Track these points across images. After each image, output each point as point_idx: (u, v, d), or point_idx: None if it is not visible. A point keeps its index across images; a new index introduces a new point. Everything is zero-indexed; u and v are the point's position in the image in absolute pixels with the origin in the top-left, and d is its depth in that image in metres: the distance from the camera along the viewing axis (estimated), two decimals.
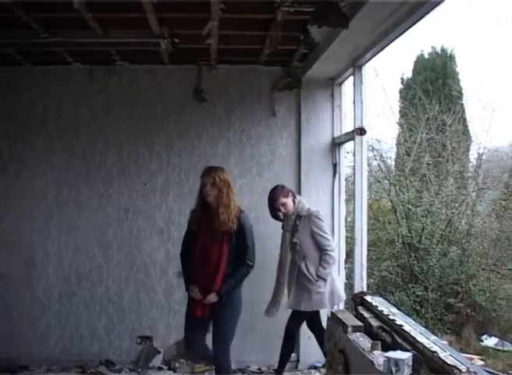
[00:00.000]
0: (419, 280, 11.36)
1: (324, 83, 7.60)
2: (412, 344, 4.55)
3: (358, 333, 5.36)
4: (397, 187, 12.24)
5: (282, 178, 7.37)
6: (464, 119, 14.43)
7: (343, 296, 6.87)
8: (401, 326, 4.91)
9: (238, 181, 7.50)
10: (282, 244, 6.69)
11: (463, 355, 4.96)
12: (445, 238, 11.77)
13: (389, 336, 4.99)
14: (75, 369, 7.41)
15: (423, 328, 4.92)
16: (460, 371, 3.71)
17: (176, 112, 7.61)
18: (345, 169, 7.83)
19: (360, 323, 5.55)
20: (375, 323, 5.40)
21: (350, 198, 8.48)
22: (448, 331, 10.94)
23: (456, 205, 12.21)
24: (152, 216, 7.59)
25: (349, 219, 9.04)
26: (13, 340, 7.52)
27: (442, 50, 16.71)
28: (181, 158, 7.60)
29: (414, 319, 5.44)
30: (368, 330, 5.38)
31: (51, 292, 7.60)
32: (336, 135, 7.56)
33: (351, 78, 6.70)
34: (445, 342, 4.69)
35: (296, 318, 6.70)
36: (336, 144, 7.57)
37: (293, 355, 7.49)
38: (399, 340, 4.80)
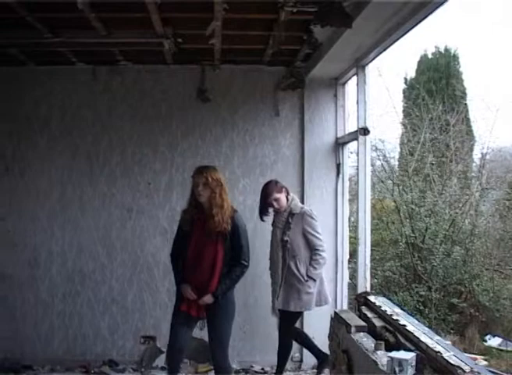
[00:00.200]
0: (422, 280, 11.36)
1: (327, 83, 7.60)
2: (415, 344, 4.55)
3: (362, 333, 5.36)
4: (401, 187, 12.23)
5: (286, 178, 7.38)
6: (468, 119, 14.42)
7: (330, 299, 6.79)
8: (404, 326, 4.91)
9: (241, 181, 7.52)
10: (272, 241, 6.63)
11: (466, 355, 4.94)
12: (448, 238, 11.76)
13: (393, 336, 4.99)
14: (78, 369, 7.41)
15: (426, 328, 4.91)
16: (464, 371, 3.70)
17: (180, 112, 7.61)
18: (348, 169, 7.82)
19: (363, 323, 5.55)
20: (378, 323, 5.40)
21: (354, 198, 8.49)
22: (451, 331, 10.94)
23: (460, 205, 12.21)
24: (156, 215, 7.59)
25: (352, 219, 9.06)
26: (17, 340, 7.54)
27: (446, 50, 16.70)
28: (185, 158, 7.59)
29: (417, 319, 5.43)
30: (371, 330, 5.38)
31: (54, 292, 7.61)
32: (339, 135, 7.56)
33: (354, 78, 6.70)
34: (448, 342, 4.69)
35: (288, 319, 6.61)
36: (339, 144, 7.56)
37: (297, 355, 7.52)
38: (402, 340, 4.80)
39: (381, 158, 13.05)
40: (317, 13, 5.17)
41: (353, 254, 7.24)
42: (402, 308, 5.73)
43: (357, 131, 6.38)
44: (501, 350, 10.33)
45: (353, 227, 8.24)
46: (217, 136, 7.63)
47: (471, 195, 12.44)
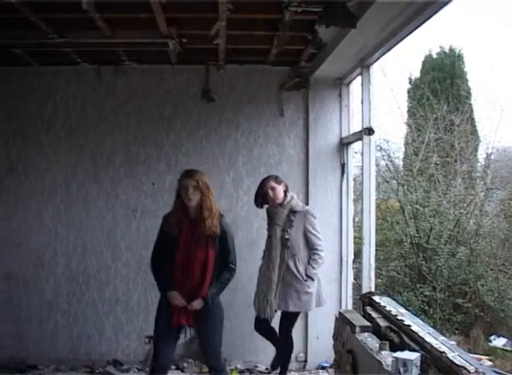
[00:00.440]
0: (427, 280, 11.33)
1: (332, 83, 7.59)
2: (420, 344, 4.55)
3: (366, 334, 5.36)
4: (405, 187, 12.21)
5: (290, 178, 7.38)
6: (473, 119, 14.38)
7: (327, 299, 6.72)
8: (409, 326, 4.91)
9: (246, 181, 7.52)
10: (271, 239, 6.48)
11: (471, 355, 4.94)
12: (453, 238, 11.73)
13: (397, 336, 4.99)
14: (83, 369, 7.43)
15: (431, 328, 4.92)
16: (469, 371, 3.71)
17: (184, 112, 7.62)
18: (353, 169, 7.81)
19: (368, 323, 5.55)
20: (383, 323, 5.40)
21: (358, 198, 8.49)
22: (456, 331, 10.91)
23: (465, 205, 12.17)
24: (160, 215, 7.54)
25: (357, 219, 9.04)
26: (22, 339, 7.56)
27: (451, 50, 16.67)
28: (189, 158, 7.60)
29: (422, 320, 5.44)
30: (376, 330, 5.39)
31: (59, 292, 7.62)
32: (343, 135, 7.56)
33: (359, 78, 6.69)
34: (453, 342, 4.69)
35: (288, 319, 6.54)
36: (343, 144, 7.56)
37: (301, 355, 7.52)
38: (407, 340, 4.80)
39: (385, 158, 13.01)
40: (321, 13, 5.17)
41: (358, 254, 7.23)
42: (406, 309, 5.74)
43: (361, 131, 6.38)
44: (506, 350, 10.30)
45: (358, 227, 8.23)
46: (221, 136, 7.63)
47: (475, 195, 12.41)
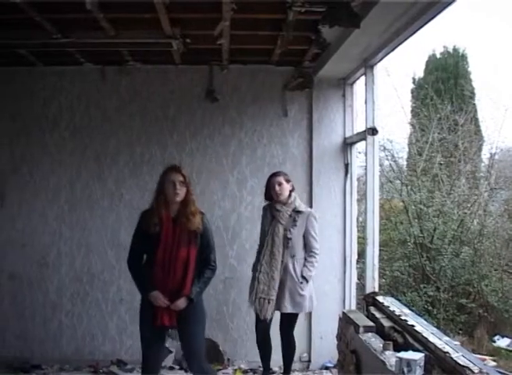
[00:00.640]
0: (431, 281, 11.33)
1: (335, 83, 7.60)
2: (424, 344, 4.55)
3: (370, 334, 5.36)
4: (409, 187, 12.20)
5: (294, 178, 7.36)
6: (476, 119, 14.35)
7: (316, 303, 6.61)
8: (413, 326, 4.91)
9: (250, 181, 7.52)
10: (272, 237, 6.33)
11: (475, 355, 4.94)
12: (457, 238, 11.72)
13: (401, 336, 4.99)
14: (87, 369, 7.43)
15: (435, 329, 4.91)
16: (473, 372, 3.70)
17: (188, 112, 7.62)
18: (357, 169, 7.81)
19: (371, 324, 5.55)
20: (386, 323, 5.40)
21: (362, 198, 8.48)
22: (460, 332, 10.90)
23: (469, 205, 12.16)
24: None
25: (360, 219, 9.04)
26: (26, 339, 7.57)
27: (454, 50, 16.65)
28: (193, 158, 7.60)
29: (425, 320, 5.44)
30: (379, 330, 5.39)
31: (63, 292, 7.63)
32: (347, 135, 7.56)
33: (363, 78, 6.70)
34: (457, 343, 4.68)
35: (288, 321, 6.48)
36: (347, 144, 7.56)
37: (305, 355, 7.52)
38: (411, 340, 4.80)
39: (389, 158, 13.02)
40: (325, 13, 5.18)
41: (362, 254, 7.22)
42: (410, 309, 5.73)
43: (365, 131, 6.38)
44: (510, 351, 10.28)
45: (362, 227, 8.24)
46: (225, 136, 7.63)
47: (479, 195, 12.39)
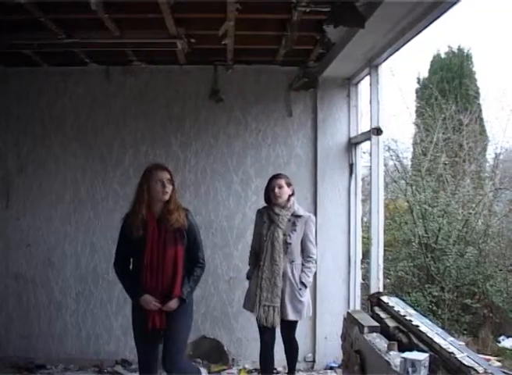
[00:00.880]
0: (435, 281, 11.30)
1: (340, 83, 7.59)
2: (429, 344, 4.54)
3: (374, 334, 5.36)
4: (414, 187, 12.17)
5: (299, 178, 7.39)
6: (481, 119, 14.32)
7: (311, 310, 6.50)
8: (418, 326, 4.91)
9: (254, 181, 7.52)
10: (272, 242, 6.10)
11: (480, 356, 4.93)
12: (461, 239, 11.69)
13: (406, 336, 4.99)
14: (91, 369, 7.45)
15: (440, 329, 4.91)
16: (478, 372, 3.70)
17: (193, 113, 7.62)
18: (361, 169, 7.80)
19: (376, 324, 5.55)
20: (391, 323, 5.40)
21: (367, 198, 8.48)
22: (465, 332, 10.88)
23: (473, 206, 12.12)
24: None
25: (365, 219, 9.03)
26: (31, 339, 7.59)
27: (459, 49, 16.63)
28: (198, 158, 7.61)
29: (430, 320, 5.43)
30: (384, 330, 5.38)
31: (68, 292, 7.65)
32: (352, 135, 7.55)
33: (367, 78, 6.69)
34: (462, 343, 4.68)
35: (288, 328, 6.25)
36: (352, 144, 7.56)
37: (310, 355, 7.52)
38: (415, 340, 4.80)
39: (394, 158, 12.98)
40: (330, 13, 5.18)
41: (366, 254, 7.22)
42: (415, 309, 5.73)
43: (369, 131, 6.38)
44: None
45: (366, 227, 8.22)
46: (230, 136, 7.64)
47: (484, 195, 12.36)
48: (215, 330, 7.61)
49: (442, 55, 16.80)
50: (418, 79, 16.51)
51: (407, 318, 5.21)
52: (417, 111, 14.44)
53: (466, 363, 3.86)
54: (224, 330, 7.60)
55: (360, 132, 7.43)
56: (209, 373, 7.35)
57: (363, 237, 7.81)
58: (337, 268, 7.51)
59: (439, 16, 4.62)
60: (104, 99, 7.65)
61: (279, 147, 7.64)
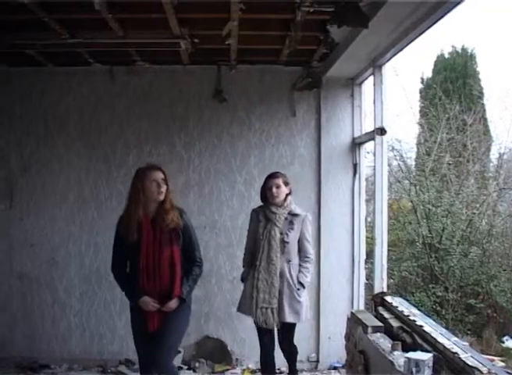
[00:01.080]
0: (439, 281, 11.29)
1: (344, 84, 7.59)
2: (433, 345, 4.54)
3: (378, 334, 5.36)
4: (417, 187, 12.16)
5: (302, 178, 7.40)
6: (485, 119, 14.33)
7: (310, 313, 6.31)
8: (421, 326, 4.91)
9: (258, 181, 7.49)
10: (269, 241, 5.90)
11: (484, 356, 4.92)
12: (465, 239, 11.68)
13: (410, 337, 4.98)
14: (95, 369, 7.46)
15: (443, 329, 4.91)
16: (481, 372, 3.70)
17: (196, 113, 7.63)
18: (365, 169, 7.80)
19: (380, 324, 5.55)
20: (395, 323, 5.39)
21: (371, 198, 8.47)
22: (468, 332, 10.87)
23: (477, 206, 12.11)
24: None
25: (369, 219, 9.02)
26: (35, 339, 7.60)
27: (463, 49, 16.62)
28: (201, 158, 7.62)
29: (434, 320, 5.42)
30: (388, 330, 5.38)
31: (72, 292, 7.66)
32: (356, 135, 7.55)
33: (371, 78, 6.69)
34: (465, 343, 4.67)
35: (287, 330, 6.03)
36: (356, 144, 7.56)
37: (313, 355, 7.52)
38: (419, 340, 4.79)
39: (398, 158, 12.97)
40: (333, 13, 5.17)
41: (370, 254, 7.22)
42: (419, 309, 5.73)
43: (373, 131, 6.38)
44: None
45: (370, 227, 8.22)
46: (233, 136, 7.64)
47: (488, 195, 12.35)
48: (219, 330, 7.61)
49: (446, 55, 16.79)
50: (422, 79, 16.51)
51: (411, 318, 5.21)
52: (420, 111, 14.45)
53: (470, 363, 3.85)
54: (227, 330, 7.60)
55: (363, 132, 7.43)
56: (213, 372, 7.36)
57: (367, 237, 7.81)
58: (341, 268, 7.50)
59: (442, 16, 4.61)
60: (107, 99, 7.65)
61: (283, 147, 7.64)
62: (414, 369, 4.15)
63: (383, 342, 5.10)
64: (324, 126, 7.59)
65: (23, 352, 7.51)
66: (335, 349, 7.34)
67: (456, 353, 4.11)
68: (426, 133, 13.29)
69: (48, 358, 7.53)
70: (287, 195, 6.04)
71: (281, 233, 5.92)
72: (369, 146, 7.76)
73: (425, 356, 4.25)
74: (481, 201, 12.19)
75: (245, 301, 6.03)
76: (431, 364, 4.22)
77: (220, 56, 7.22)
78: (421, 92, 16.09)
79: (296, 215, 5.99)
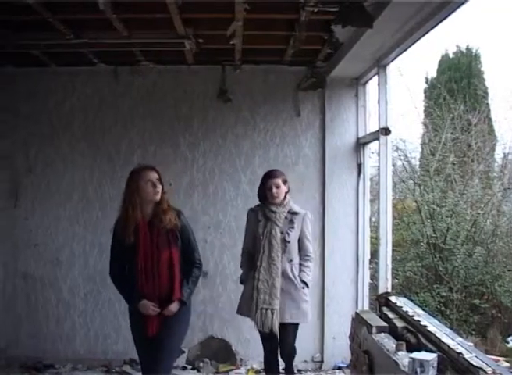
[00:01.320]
0: (444, 281, 11.28)
1: (348, 83, 7.58)
2: (437, 345, 4.54)
3: (383, 334, 5.36)
4: (422, 187, 12.15)
5: (307, 178, 7.40)
6: (490, 119, 14.30)
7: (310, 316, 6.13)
8: (426, 326, 4.90)
9: None
10: (269, 240, 5.78)
11: (488, 356, 4.92)
12: (470, 239, 11.67)
13: (414, 337, 4.98)
14: (100, 368, 7.47)
15: (448, 329, 4.90)
16: (486, 373, 3.70)
17: (201, 113, 7.63)
18: (369, 169, 7.79)
19: (384, 324, 5.55)
20: (399, 323, 5.39)
21: (375, 198, 8.45)
22: (473, 332, 10.86)
23: (482, 206, 12.09)
24: None
25: (373, 219, 9.02)
26: (39, 338, 7.61)
27: (467, 49, 16.61)
28: (206, 158, 7.62)
29: (438, 320, 5.42)
30: (392, 330, 5.38)
31: (76, 291, 7.66)
32: (360, 135, 7.55)
33: (375, 78, 6.69)
34: (470, 343, 4.67)
35: (290, 332, 5.85)
36: (360, 144, 7.55)
37: (318, 355, 7.51)
38: (424, 341, 4.79)
39: (402, 158, 12.96)
40: (338, 13, 5.18)
41: (375, 254, 7.21)
42: (423, 309, 5.72)
43: (378, 131, 6.37)
44: None
45: (374, 227, 8.22)
46: (238, 136, 7.64)
47: (492, 195, 12.33)
48: (223, 330, 7.61)
49: (451, 55, 16.78)
50: (426, 79, 16.51)
51: (416, 318, 5.20)
52: (425, 111, 14.44)
53: (474, 364, 3.85)
54: (232, 330, 7.60)
55: (368, 132, 7.42)
56: (217, 372, 7.36)
57: (371, 237, 7.80)
58: (345, 268, 7.50)
59: (447, 16, 4.61)
60: (112, 99, 7.66)
61: (288, 147, 7.63)
62: (418, 370, 4.15)
63: (388, 342, 5.10)
64: (328, 126, 7.59)
65: (27, 352, 7.52)
66: (339, 349, 7.33)
67: (460, 353, 4.10)
68: (431, 133, 13.28)
69: (53, 358, 7.54)
70: (286, 193, 5.96)
71: (282, 233, 5.81)
72: (374, 146, 7.75)
73: (430, 356, 4.24)
74: (485, 201, 12.17)
75: (245, 303, 5.93)
76: (435, 364, 4.21)
77: (224, 56, 7.22)
78: (425, 92, 16.09)
79: (295, 213, 5.90)
